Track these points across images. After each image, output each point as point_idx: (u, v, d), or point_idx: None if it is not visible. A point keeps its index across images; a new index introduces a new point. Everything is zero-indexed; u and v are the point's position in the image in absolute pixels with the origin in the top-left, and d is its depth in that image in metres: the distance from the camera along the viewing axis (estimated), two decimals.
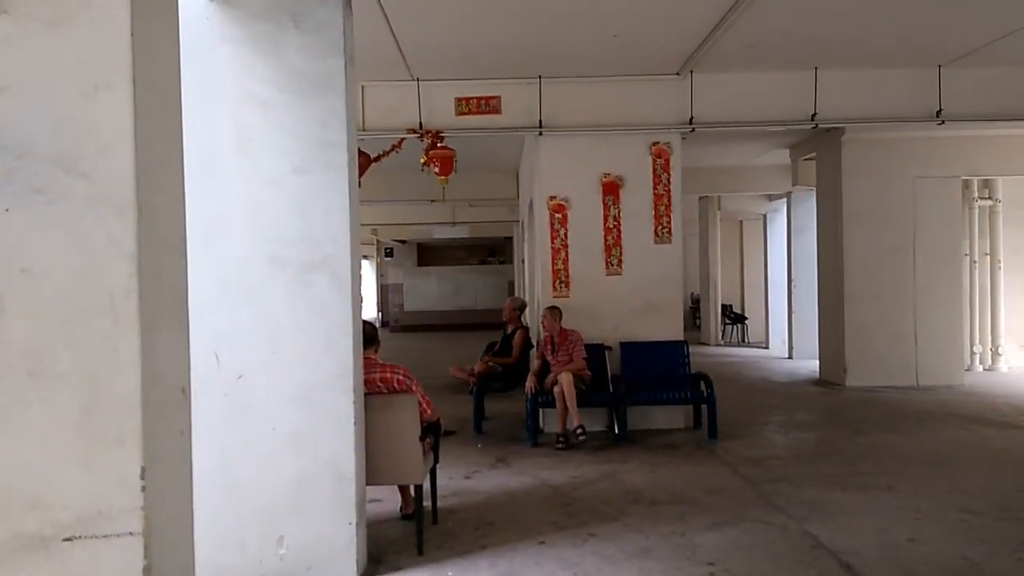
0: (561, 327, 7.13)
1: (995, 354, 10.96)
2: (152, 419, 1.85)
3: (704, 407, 7.08)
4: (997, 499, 5.00)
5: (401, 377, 4.41)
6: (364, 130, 7.27)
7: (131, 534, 1.80)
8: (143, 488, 1.81)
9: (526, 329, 8.73)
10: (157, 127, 1.95)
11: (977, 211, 10.95)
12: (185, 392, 2.06)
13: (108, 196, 1.83)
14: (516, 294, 15.78)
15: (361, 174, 5.03)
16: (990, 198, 10.98)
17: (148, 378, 1.84)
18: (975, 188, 10.88)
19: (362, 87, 7.28)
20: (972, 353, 10.86)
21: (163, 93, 2.01)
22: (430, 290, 23.18)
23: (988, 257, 10.99)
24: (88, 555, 1.81)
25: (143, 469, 1.81)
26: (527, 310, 9.39)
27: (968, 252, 10.73)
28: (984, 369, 10.90)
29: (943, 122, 7.51)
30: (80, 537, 1.80)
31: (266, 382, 3.80)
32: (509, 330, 8.75)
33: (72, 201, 1.82)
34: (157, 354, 1.89)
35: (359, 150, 4.93)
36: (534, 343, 8.45)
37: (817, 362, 10.61)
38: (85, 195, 1.83)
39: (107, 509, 1.81)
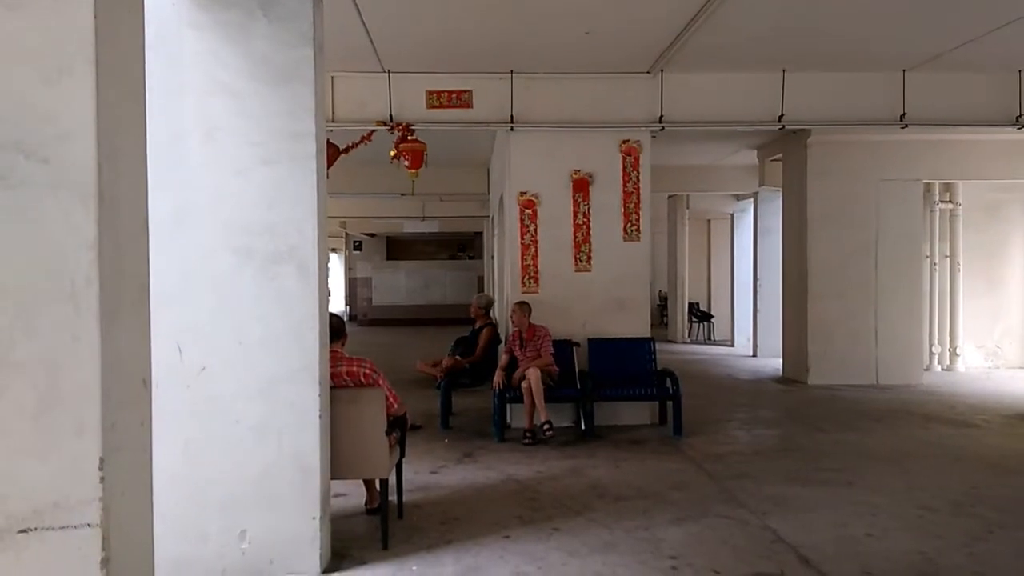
0: (530, 323, 7.14)
1: (953, 355, 11.21)
2: (112, 410, 1.82)
3: (670, 404, 7.14)
4: (952, 495, 5.12)
5: (368, 371, 4.39)
6: (333, 121, 7.21)
7: (89, 526, 1.78)
8: (102, 479, 1.78)
9: (494, 326, 8.74)
10: (120, 113, 1.92)
11: (938, 214, 11.17)
12: (146, 383, 2.03)
13: (69, 183, 1.80)
14: (485, 290, 15.79)
15: (329, 165, 4.98)
16: (951, 201, 11.22)
17: (108, 368, 1.81)
18: (936, 191, 11.11)
19: (332, 77, 7.21)
20: (931, 353, 11.09)
21: (127, 79, 1.97)
22: (399, 284, 23.06)
23: (948, 259, 11.23)
24: (44, 547, 1.77)
25: (102, 460, 1.78)
26: (496, 306, 9.40)
27: (929, 254, 10.96)
28: (942, 369, 11.14)
29: (906, 126, 7.65)
30: (36, 529, 1.77)
31: (230, 374, 3.76)
32: (477, 326, 8.75)
33: (32, 187, 1.79)
34: (117, 344, 1.86)
35: (328, 141, 4.89)
36: (502, 339, 8.46)
37: (781, 360, 10.77)
38: (46, 181, 1.79)
39: (64, 500, 1.78)
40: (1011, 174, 10.36)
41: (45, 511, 1.78)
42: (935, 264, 11.15)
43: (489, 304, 9.04)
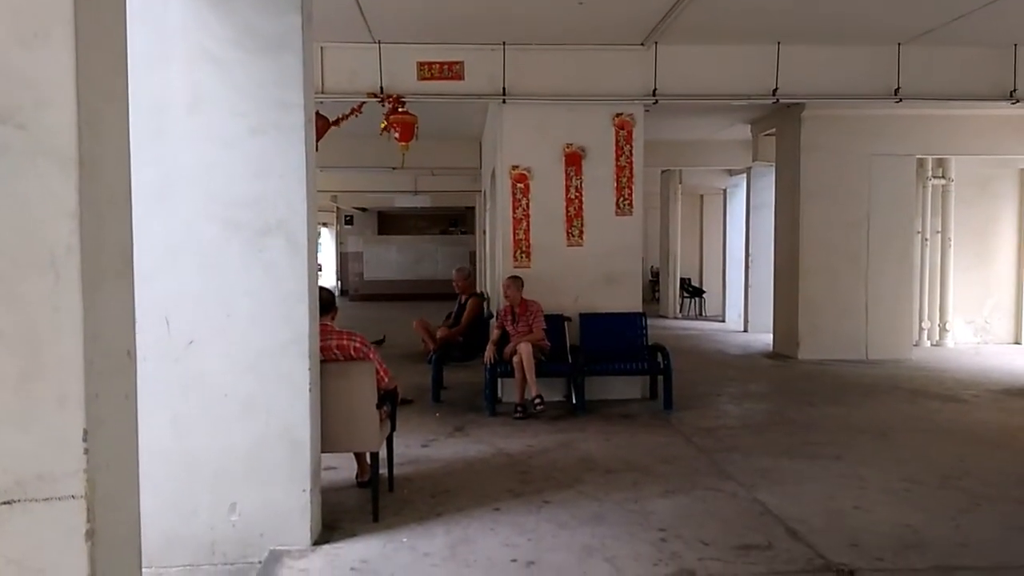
0: (522, 297, 7.13)
1: (943, 330, 11.27)
2: (95, 381, 1.79)
3: (661, 378, 7.16)
4: (939, 469, 5.17)
5: (358, 344, 4.37)
6: (323, 93, 7.12)
7: (73, 497, 1.75)
8: (86, 451, 1.76)
9: (480, 296, 8.71)
10: (101, 78, 1.87)
11: (930, 189, 11.17)
12: (130, 354, 2.00)
13: (48, 149, 1.75)
14: (477, 264, 15.76)
15: (319, 138, 4.92)
16: (943, 177, 11.21)
17: (91, 339, 1.78)
18: (929, 167, 11.10)
19: (321, 48, 7.11)
20: (920, 328, 11.15)
21: (108, 43, 1.92)
22: (390, 259, 22.98)
23: (939, 235, 11.25)
24: (28, 519, 1.75)
25: (85, 432, 1.76)
26: (488, 280, 9.37)
27: (920, 229, 10.97)
28: (932, 344, 11.21)
29: (901, 100, 7.62)
30: (19, 500, 1.74)
31: (218, 348, 3.73)
32: (463, 300, 8.74)
33: (10, 154, 1.74)
34: (100, 315, 1.83)
35: (317, 113, 4.83)
36: (489, 311, 8.45)
37: (771, 335, 10.81)
38: (24, 148, 1.74)
39: (48, 472, 1.76)
40: (1003, 150, 10.36)
41: (28, 483, 1.75)
42: (926, 239, 11.17)
43: (471, 274, 8.99)
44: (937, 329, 11.29)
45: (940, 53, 7.54)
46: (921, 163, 10.80)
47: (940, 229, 11.25)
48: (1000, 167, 11.34)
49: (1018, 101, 7.62)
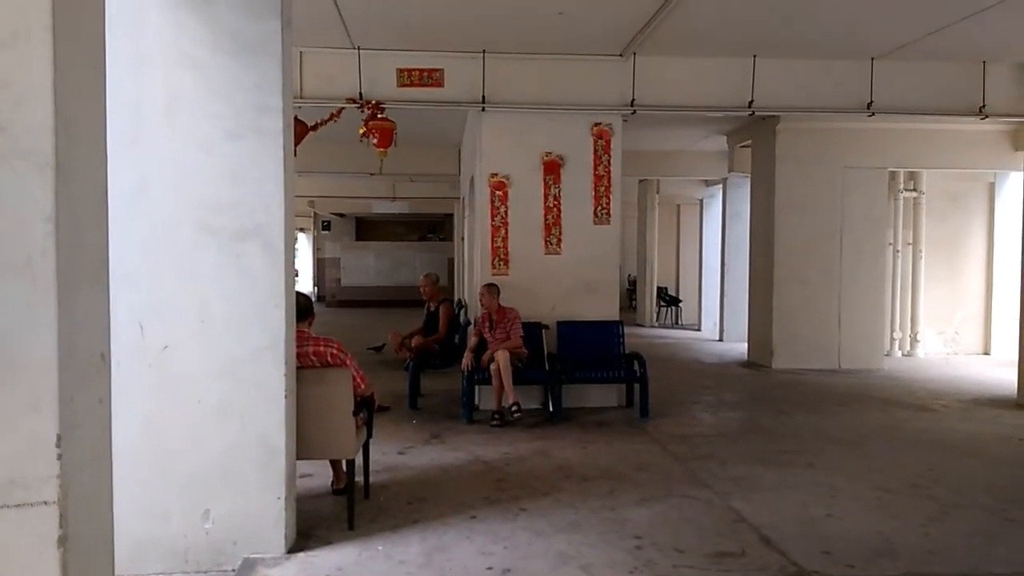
0: (499, 305, 7.14)
1: (914, 340, 11.45)
2: (69, 385, 1.78)
3: (637, 386, 7.20)
4: (909, 477, 5.24)
5: (335, 351, 4.35)
6: (301, 98, 7.09)
7: (46, 503, 1.74)
8: (59, 456, 1.74)
9: (449, 302, 8.72)
10: (79, 80, 1.86)
11: (902, 202, 11.37)
12: (104, 358, 1.98)
13: (25, 151, 1.74)
14: (455, 272, 15.74)
15: (297, 143, 4.90)
16: (915, 190, 11.41)
17: (65, 342, 1.77)
18: (901, 179, 11.29)
19: (300, 53, 7.09)
20: (892, 339, 11.32)
21: (86, 44, 1.91)
22: (368, 265, 22.89)
23: (911, 247, 11.44)
24: (1, 525, 1.73)
25: (59, 437, 1.74)
26: (467, 287, 9.38)
27: (892, 241, 11.14)
28: (903, 355, 11.38)
29: (873, 114, 7.75)
30: None
31: (193, 353, 3.70)
32: (432, 307, 8.74)
33: None
34: (75, 318, 1.81)
35: (295, 118, 4.81)
36: (461, 317, 8.45)
37: (746, 345, 10.90)
38: (0, 150, 1.73)
39: (21, 477, 1.74)
40: (973, 164, 10.58)
41: (1, 488, 1.73)
42: (898, 251, 11.35)
43: (438, 280, 9.03)
44: (908, 339, 11.46)
45: (912, 68, 7.68)
46: (893, 176, 10.99)
47: (912, 241, 11.44)
48: (970, 180, 11.56)
49: (987, 116, 7.79)
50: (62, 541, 1.75)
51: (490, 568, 3.72)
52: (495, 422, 6.71)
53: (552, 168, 7.51)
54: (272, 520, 3.79)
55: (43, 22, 1.73)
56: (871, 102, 7.65)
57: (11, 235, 1.74)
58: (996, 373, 9.66)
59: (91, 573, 1.90)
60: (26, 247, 1.74)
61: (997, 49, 7.35)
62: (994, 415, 7.33)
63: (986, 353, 11.48)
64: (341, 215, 23.58)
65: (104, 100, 2.01)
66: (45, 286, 1.74)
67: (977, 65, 7.70)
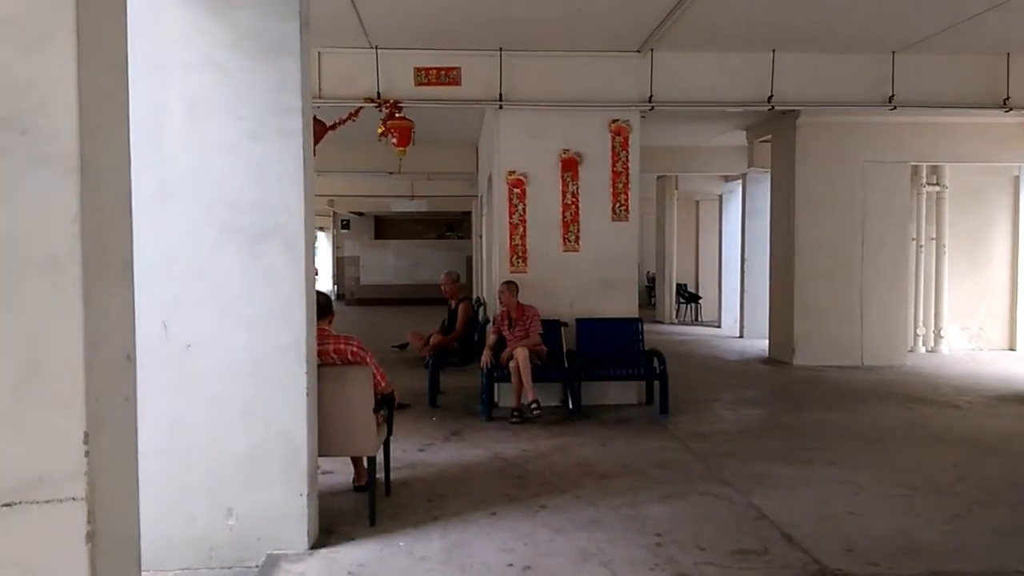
0: (518, 302, 7.14)
1: (937, 336, 11.30)
2: (96, 384, 1.80)
3: (656, 383, 7.18)
4: (933, 474, 5.19)
5: (355, 349, 4.38)
6: (320, 98, 7.13)
7: (74, 499, 1.76)
8: (86, 453, 1.77)
9: (468, 300, 8.75)
10: (102, 84, 1.88)
11: (925, 196, 11.22)
12: (130, 358, 2.01)
13: (50, 154, 1.76)
14: (474, 269, 15.77)
15: (316, 142, 4.93)
16: (938, 184, 11.26)
17: (91, 342, 1.79)
18: (923, 174, 11.14)
19: (318, 53, 7.13)
20: (915, 335, 11.18)
21: (109, 48, 1.93)
22: (387, 264, 22.97)
23: (934, 242, 11.29)
24: (29, 521, 1.76)
25: (86, 434, 1.77)
26: (486, 285, 9.40)
27: (915, 236, 11.01)
28: (927, 351, 11.23)
29: (895, 107, 7.66)
30: (20, 503, 1.75)
31: (216, 352, 3.74)
32: (453, 305, 8.77)
33: (11, 159, 1.75)
34: (101, 318, 1.84)
35: (314, 118, 4.84)
36: (480, 315, 8.45)
37: (767, 341, 10.83)
38: (25, 153, 1.76)
39: (49, 475, 1.76)
40: (997, 157, 10.43)
41: (29, 485, 1.76)
42: (921, 246, 11.20)
43: (459, 278, 9.06)
44: (932, 335, 11.33)
45: (934, 61, 7.59)
46: (916, 170, 10.85)
47: (935, 236, 11.29)
48: (994, 174, 11.39)
49: (1011, 109, 7.67)
50: (90, 537, 1.77)
51: (511, 565, 3.73)
52: (515, 419, 6.72)
53: (570, 165, 7.50)
54: (295, 516, 3.82)
55: (67, 25, 1.75)
56: (892, 95, 7.57)
57: (37, 236, 1.76)
58: (1022, 369, 9.52)
59: (118, 568, 1.93)
60: (52, 248, 1.77)
61: (1022, 40, 7.24)
62: (1020, 411, 7.24)
63: (1011, 349, 11.31)
64: (360, 214, 23.69)
65: (127, 102, 2.04)
66: (71, 287, 1.77)
67: (1001, 57, 7.59)
